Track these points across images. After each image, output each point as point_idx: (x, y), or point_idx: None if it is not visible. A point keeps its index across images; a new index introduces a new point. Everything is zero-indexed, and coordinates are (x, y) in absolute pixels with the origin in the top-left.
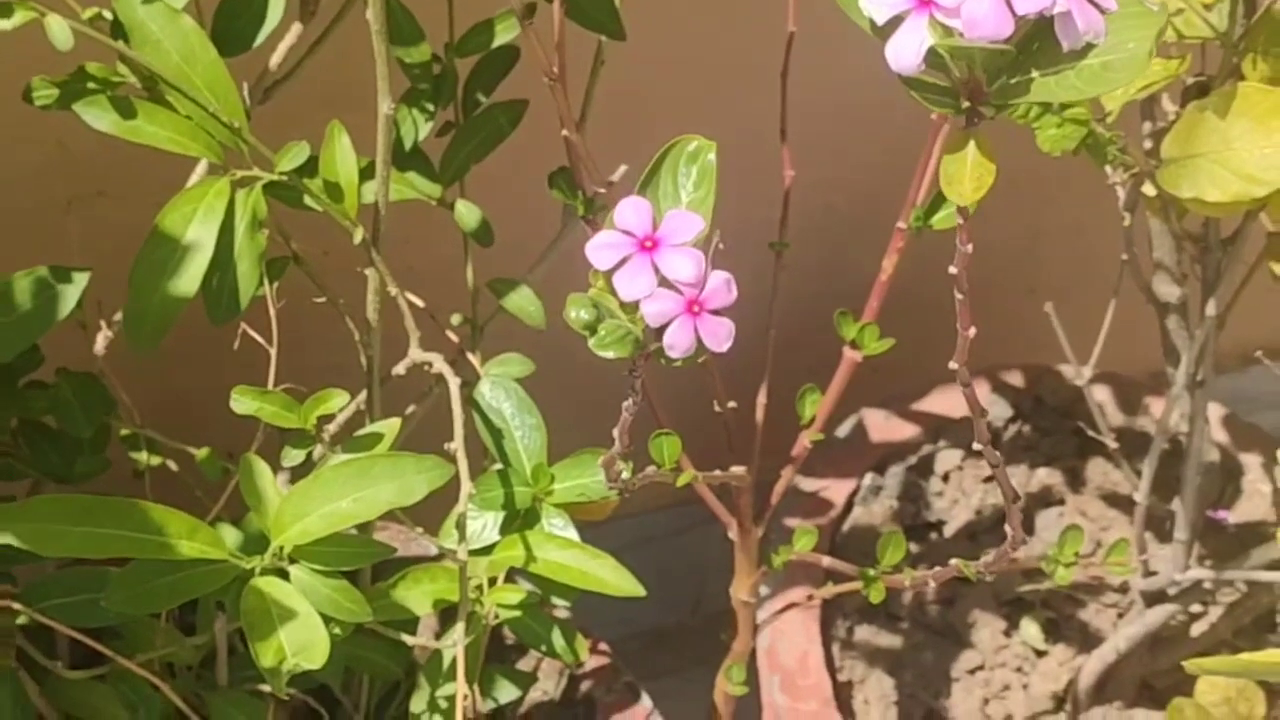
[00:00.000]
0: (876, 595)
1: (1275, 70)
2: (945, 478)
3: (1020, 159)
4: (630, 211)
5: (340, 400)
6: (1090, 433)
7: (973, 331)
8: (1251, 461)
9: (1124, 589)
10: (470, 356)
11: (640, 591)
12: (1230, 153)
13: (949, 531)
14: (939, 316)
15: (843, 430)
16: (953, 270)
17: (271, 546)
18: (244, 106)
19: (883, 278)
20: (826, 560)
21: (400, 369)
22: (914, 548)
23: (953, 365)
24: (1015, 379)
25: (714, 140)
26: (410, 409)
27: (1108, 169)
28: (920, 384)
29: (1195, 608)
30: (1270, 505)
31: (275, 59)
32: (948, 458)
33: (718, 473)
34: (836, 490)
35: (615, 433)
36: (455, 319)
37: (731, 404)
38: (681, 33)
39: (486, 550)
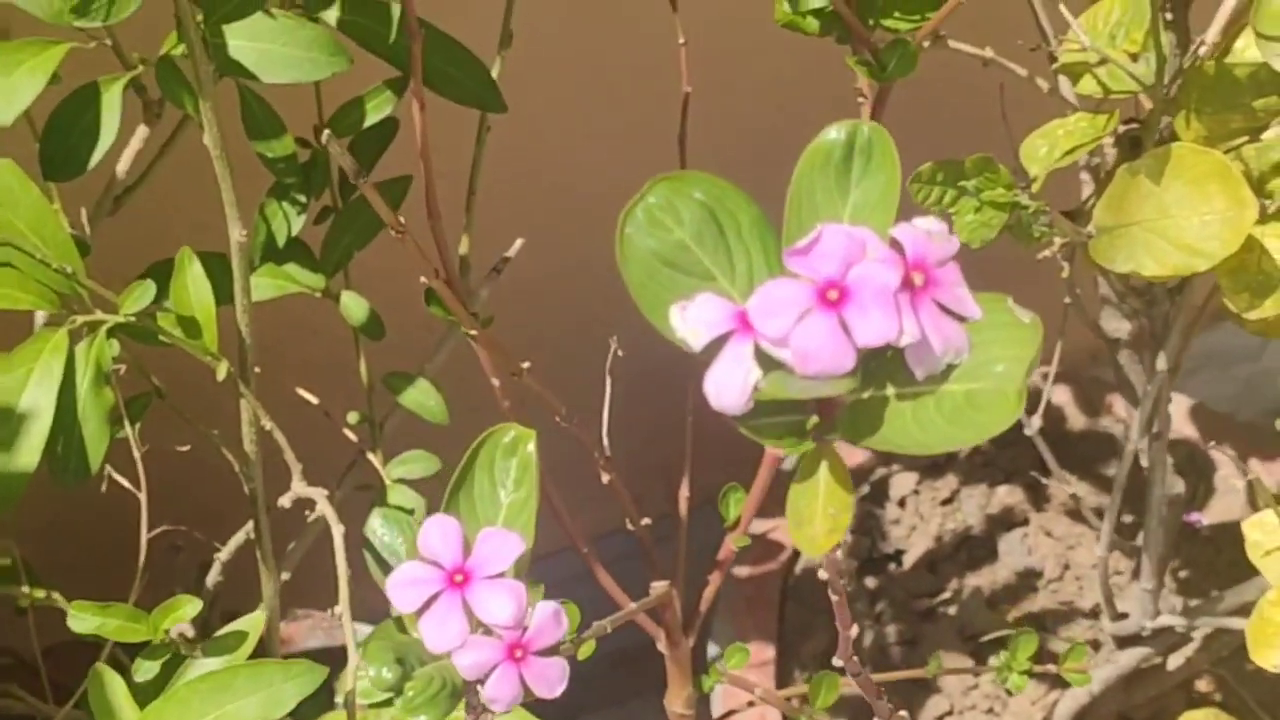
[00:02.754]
0: None
1: (1211, 129)
2: (901, 503)
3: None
4: (436, 536)
5: (192, 608)
6: (1045, 476)
7: (854, 630)
8: (1222, 457)
9: (1096, 613)
10: (371, 457)
11: None
12: (1167, 221)
13: (908, 561)
14: None
15: (789, 462)
16: (823, 575)
17: None
18: (81, 239)
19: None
20: (758, 690)
21: (285, 502)
22: (872, 582)
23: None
24: None
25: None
26: (291, 546)
27: (1038, 230)
28: None
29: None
30: (1244, 503)
31: (122, 165)
32: (902, 481)
33: (634, 605)
34: (786, 529)
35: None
36: (352, 418)
37: (646, 521)
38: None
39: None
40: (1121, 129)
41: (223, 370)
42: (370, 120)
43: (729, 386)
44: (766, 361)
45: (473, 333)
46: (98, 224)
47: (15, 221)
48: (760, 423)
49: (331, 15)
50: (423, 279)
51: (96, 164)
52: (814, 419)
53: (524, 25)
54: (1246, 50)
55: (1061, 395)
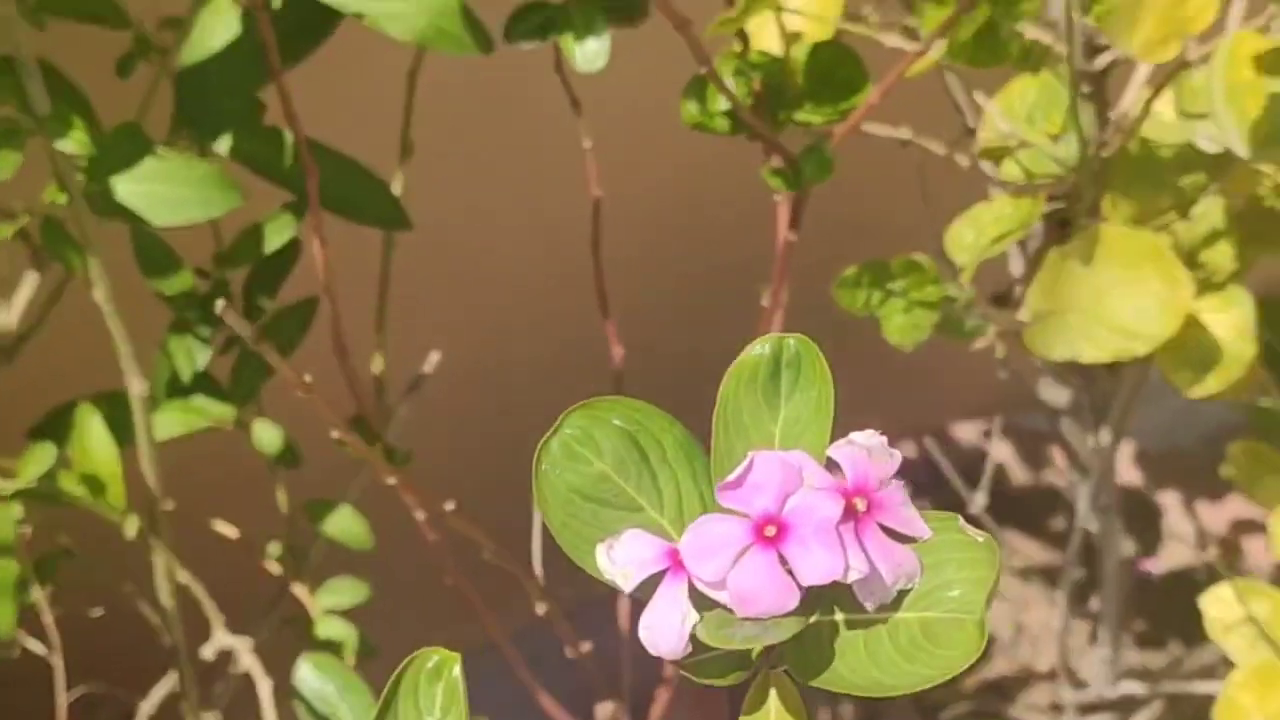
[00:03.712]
0: None
1: (1139, 209)
2: None
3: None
4: None
5: None
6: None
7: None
8: (1170, 501)
9: (1053, 675)
10: (297, 590)
11: None
12: (1102, 305)
13: None
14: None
15: None
16: None
17: None
18: None
19: None
20: None
21: (208, 654)
22: None
23: None
24: (908, 449)
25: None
26: (217, 690)
27: (970, 325)
28: None
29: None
30: (1194, 546)
31: (12, 316)
32: None
33: None
34: None
35: None
36: (274, 549)
37: (586, 646)
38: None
39: None
40: (1048, 208)
41: (132, 527)
42: (271, 246)
43: (664, 631)
44: (703, 599)
45: (390, 480)
46: None
47: None
48: (700, 660)
49: (224, 144)
50: (334, 434)
51: None
52: (759, 648)
53: (425, 133)
54: (1168, 131)
55: (1003, 451)
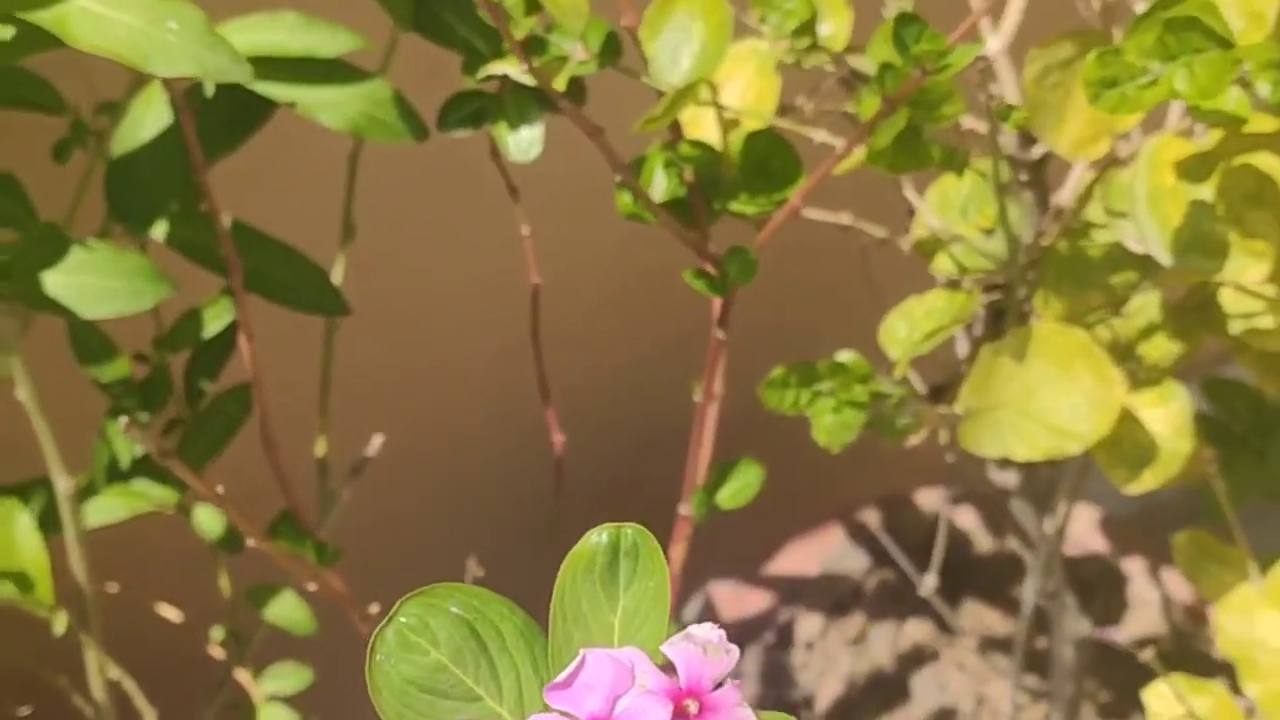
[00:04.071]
0: None
1: (1070, 307)
2: (809, 646)
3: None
4: None
5: None
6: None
7: None
8: (1134, 568)
9: None
10: (239, 675)
11: None
12: (1035, 403)
13: (819, 708)
14: (780, 454)
15: (689, 613)
16: None
17: None
18: None
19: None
20: None
21: None
22: None
23: None
24: (870, 517)
25: None
26: None
27: (901, 423)
28: (769, 537)
29: None
30: (1160, 615)
31: None
32: (809, 624)
33: None
34: None
35: None
36: (216, 634)
37: None
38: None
39: None
40: (985, 299)
41: (60, 624)
42: (210, 331)
43: None
44: None
45: (311, 587)
46: None
47: None
48: None
49: (160, 230)
50: (251, 541)
51: None
52: None
53: (367, 214)
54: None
55: (966, 518)
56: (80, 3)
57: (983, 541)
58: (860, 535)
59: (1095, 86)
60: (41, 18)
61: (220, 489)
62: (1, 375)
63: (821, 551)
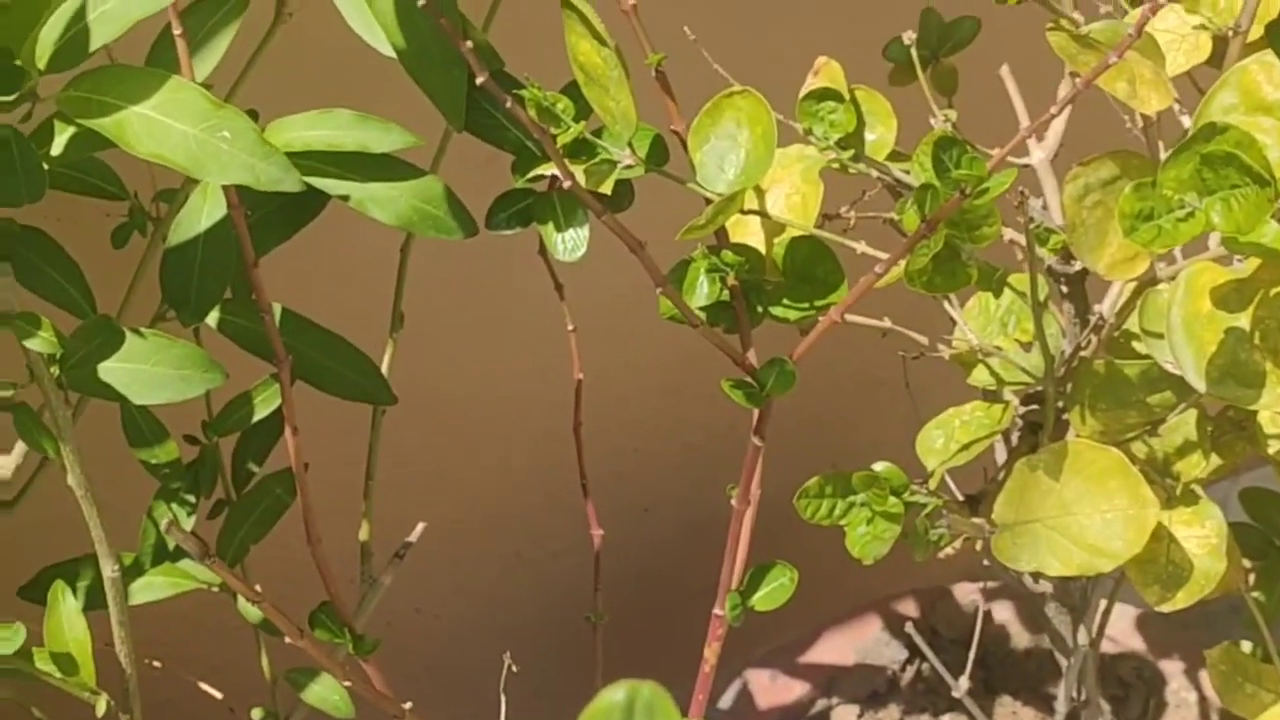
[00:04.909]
0: None
1: (1106, 425)
2: None
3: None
4: None
5: None
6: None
7: None
8: (1172, 668)
9: None
10: None
11: None
12: (1069, 519)
13: None
14: (819, 543)
15: (725, 700)
16: None
17: None
18: None
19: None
20: None
21: None
22: None
23: None
24: (908, 608)
25: None
26: None
27: (934, 534)
28: (806, 627)
29: None
30: (1198, 716)
31: (8, 469)
32: (844, 715)
33: None
34: None
35: None
36: (256, 714)
37: None
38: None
39: None
40: (1022, 410)
41: (101, 706)
42: (259, 415)
43: None
44: None
45: (345, 684)
46: None
47: None
48: None
49: (213, 317)
50: (287, 639)
51: None
52: None
53: (415, 301)
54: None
55: (1003, 612)
56: (139, 109)
57: (1020, 636)
58: (897, 626)
59: (1131, 219)
60: (102, 124)
61: (258, 588)
62: (53, 460)
63: (858, 641)
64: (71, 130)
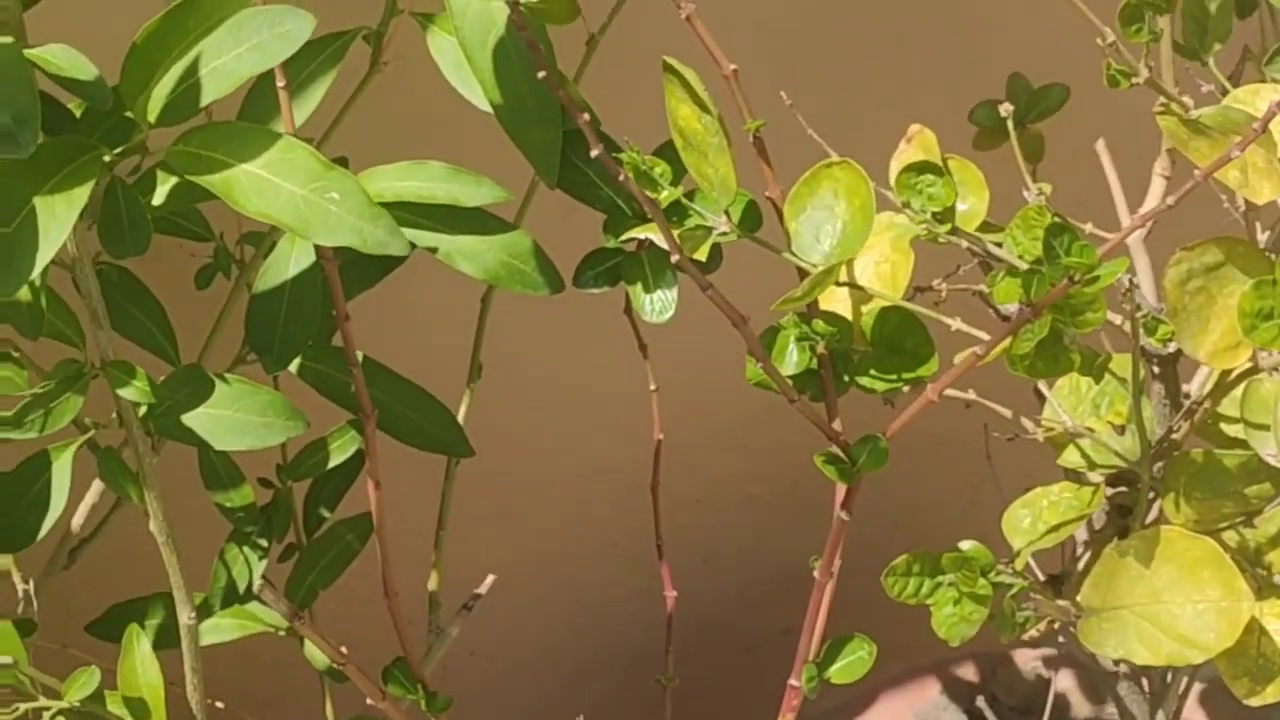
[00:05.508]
0: None
1: (1201, 514)
2: None
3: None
4: None
5: None
6: None
7: None
8: None
9: None
10: None
11: None
12: (1159, 607)
13: None
14: (875, 598)
15: None
16: None
17: None
18: (27, 618)
19: None
20: None
21: None
22: None
23: None
24: (967, 672)
25: None
26: None
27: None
28: (862, 687)
29: None
30: None
31: (78, 520)
32: None
33: None
34: None
35: None
36: None
37: None
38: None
39: None
40: (1110, 492)
41: None
42: (334, 461)
43: None
44: None
45: None
46: (49, 581)
47: None
48: None
49: (294, 363)
50: (369, 700)
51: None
52: None
53: (494, 355)
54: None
55: (1064, 680)
56: (248, 167)
57: (1080, 706)
58: (956, 690)
59: (1251, 318)
60: (211, 180)
61: (344, 649)
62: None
63: (916, 704)
64: (174, 181)
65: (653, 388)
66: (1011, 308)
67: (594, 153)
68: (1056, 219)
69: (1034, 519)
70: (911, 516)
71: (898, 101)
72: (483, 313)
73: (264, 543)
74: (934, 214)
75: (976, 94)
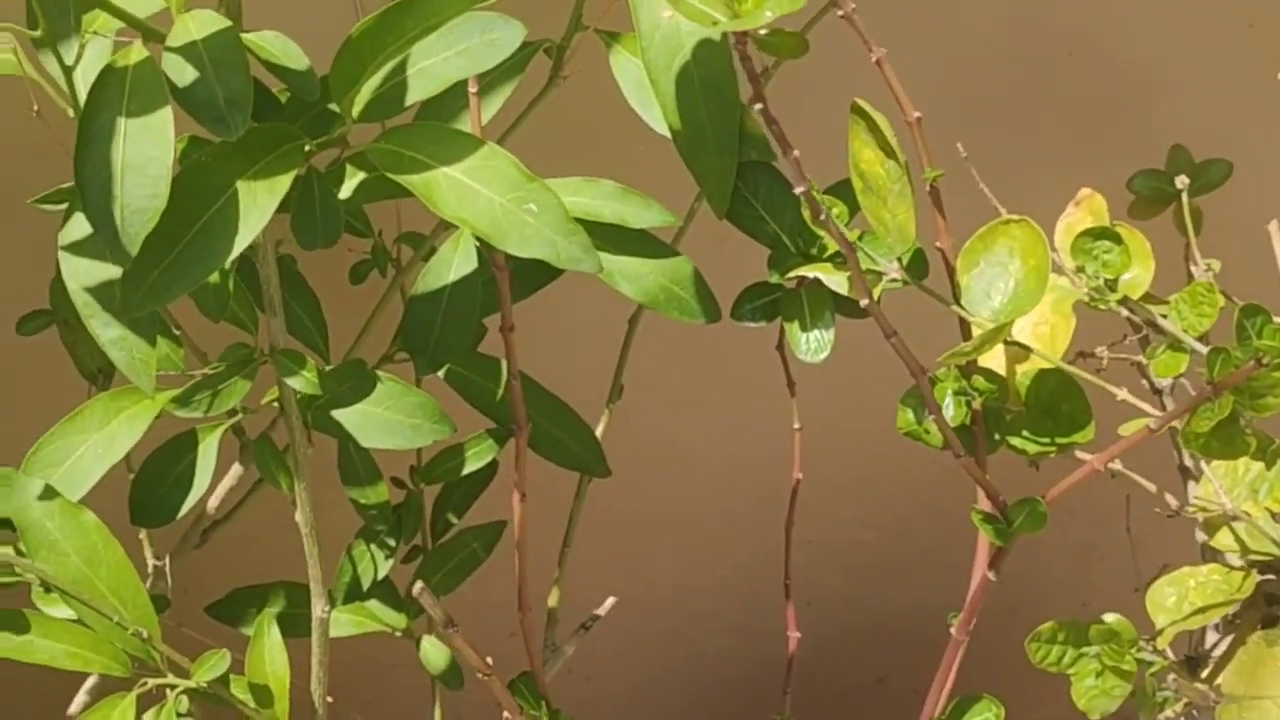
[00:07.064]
0: None
1: None
2: None
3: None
4: None
5: None
6: None
7: None
8: None
9: None
10: None
11: None
12: None
13: None
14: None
15: None
16: None
17: None
18: (160, 594)
19: None
20: None
21: None
22: None
23: None
24: None
25: None
26: None
27: (1160, 696)
28: None
29: None
30: None
31: (214, 501)
32: None
33: None
34: None
35: None
36: None
37: None
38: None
39: None
40: (1259, 578)
41: None
42: (469, 468)
43: None
44: None
45: None
46: (182, 558)
47: (96, 581)
48: None
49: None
50: (505, 716)
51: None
52: None
53: (635, 376)
54: None
55: None
56: (449, 171)
57: None
58: None
59: None
60: (410, 180)
61: (489, 660)
62: (286, 494)
63: None
64: (361, 176)
65: (796, 426)
66: (1165, 382)
67: (798, 190)
68: (1236, 300)
69: (1179, 598)
70: (1017, 578)
71: (1057, 162)
72: (629, 334)
73: (392, 542)
74: (1106, 280)
75: (1130, 162)
